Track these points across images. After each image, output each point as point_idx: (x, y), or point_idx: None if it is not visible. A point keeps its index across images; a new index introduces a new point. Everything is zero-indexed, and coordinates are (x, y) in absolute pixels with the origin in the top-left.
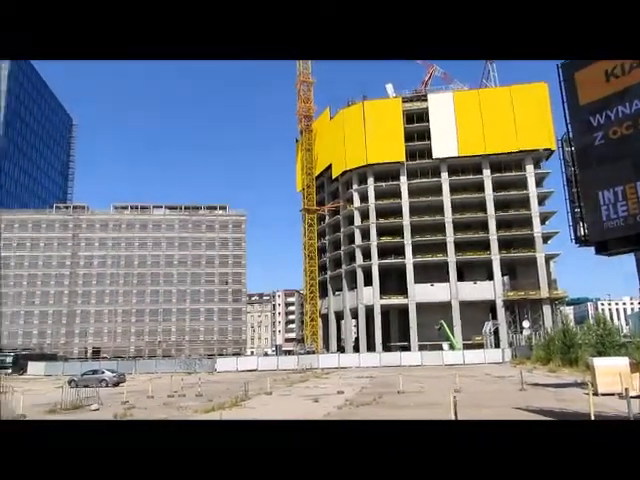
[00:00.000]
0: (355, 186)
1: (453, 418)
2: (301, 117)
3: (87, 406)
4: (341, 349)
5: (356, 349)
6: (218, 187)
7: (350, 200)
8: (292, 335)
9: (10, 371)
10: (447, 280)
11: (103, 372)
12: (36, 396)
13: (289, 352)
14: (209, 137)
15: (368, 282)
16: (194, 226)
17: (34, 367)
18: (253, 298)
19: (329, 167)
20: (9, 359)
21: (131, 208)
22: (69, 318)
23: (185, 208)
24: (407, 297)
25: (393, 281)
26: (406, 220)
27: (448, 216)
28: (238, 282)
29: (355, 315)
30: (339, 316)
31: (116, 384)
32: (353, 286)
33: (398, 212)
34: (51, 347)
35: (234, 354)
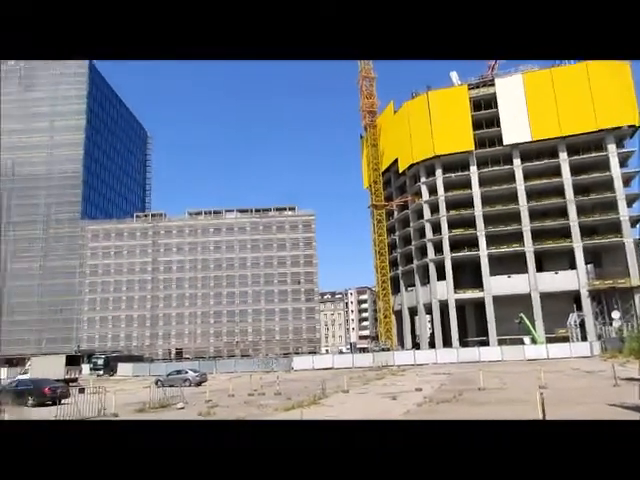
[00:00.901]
0: (423, 179)
1: (540, 416)
2: (365, 113)
3: (173, 405)
4: (416, 346)
5: (432, 345)
6: (286, 189)
7: (419, 194)
8: (366, 332)
9: (102, 372)
10: (525, 271)
11: (186, 372)
12: (126, 396)
13: (364, 350)
14: (274, 139)
15: (441, 276)
16: (265, 228)
17: (123, 368)
18: (326, 297)
19: (395, 161)
20: (100, 361)
21: (205, 213)
22: (153, 321)
23: (255, 211)
24: (483, 290)
25: (467, 274)
26: (478, 211)
27: (523, 204)
28: (310, 281)
29: (429, 311)
30: (413, 312)
31: (199, 384)
32: (426, 281)
33: (469, 203)
34: (137, 349)
35: (309, 352)
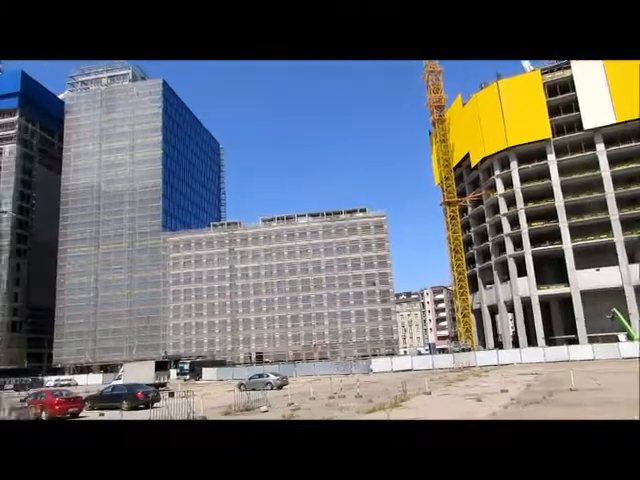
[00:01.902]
0: (497, 172)
1: None
2: (432, 108)
3: (257, 408)
4: (498, 345)
5: (515, 344)
6: (355, 191)
7: (493, 187)
8: (444, 333)
9: (188, 377)
10: (615, 263)
11: (268, 376)
12: (212, 399)
13: (443, 350)
14: (341, 143)
15: (522, 272)
16: (337, 231)
17: (208, 373)
18: (401, 297)
19: (467, 156)
20: (186, 366)
21: (277, 219)
22: (233, 326)
23: (326, 214)
24: (569, 285)
25: (550, 269)
26: (559, 201)
27: (609, 191)
28: (385, 282)
29: (511, 308)
30: (493, 310)
31: (280, 387)
32: (505, 278)
33: (549, 194)
34: (220, 354)
35: (387, 354)
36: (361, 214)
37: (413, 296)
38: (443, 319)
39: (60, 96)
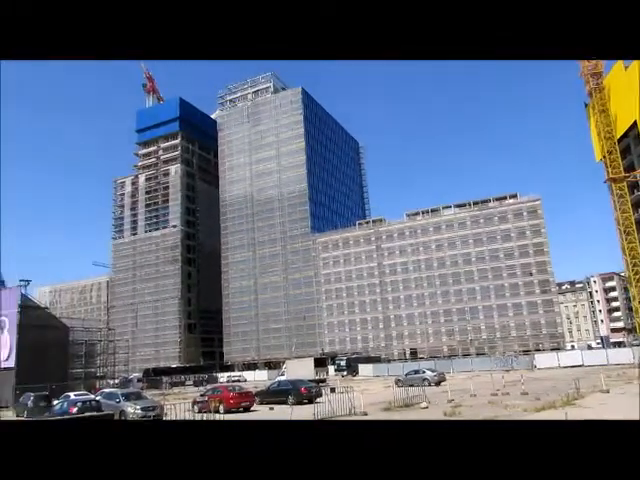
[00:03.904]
0: None
1: None
2: (587, 77)
3: (416, 404)
4: None
5: None
6: (503, 176)
7: None
8: (618, 324)
9: (345, 373)
10: None
11: (424, 372)
12: (370, 395)
13: (618, 344)
14: (481, 128)
15: None
16: (486, 220)
17: (364, 369)
18: (564, 287)
19: (634, 125)
20: (343, 363)
21: (422, 213)
22: (385, 323)
23: (474, 204)
24: None
25: None
26: None
27: None
28: (544, 271)
29: None
30: None
31: (437, 383)
32: None
33: None
34: (374, 350)
35: (552, 349)
36: (511, 200)
37: (578, 285)
38: (616, 309)
39: (212, 116)
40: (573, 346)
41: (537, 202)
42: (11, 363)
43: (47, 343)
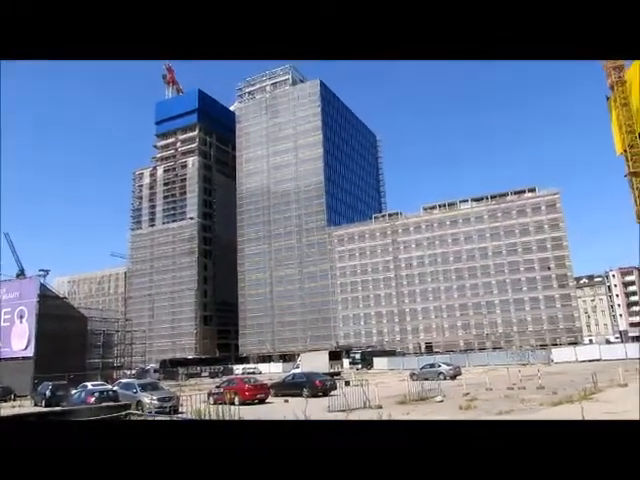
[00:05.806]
0: None
1: None
2: (609, 70)
3: (431, 398)
4: None
5: None
6: (520, 172)
7: None
8: (637, 319)
9: (360, 366)
10: None
11: (439, 365)
12: (385, 388)
13: (637, 338)
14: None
15: None
16: (503, 214)
17: (379, 362)
18: (582, 281)
19: None
20: (357, 356)
21: (439, 207)
22: (400, 316)
23: (491, 197)
24: None
25: None
26: None
27: None
28: (562, 266)
29: None
30: None
31: (453, 377)
32: None
33: None
34: (389, 344)
35: (569, 344)
36: (530, 194)
37: (597, 279)
38: (635, 303)
39: (231, 108)
40: (591, 340)
41: (556, 196)
42: (30, 352)
43: (66, 333)
